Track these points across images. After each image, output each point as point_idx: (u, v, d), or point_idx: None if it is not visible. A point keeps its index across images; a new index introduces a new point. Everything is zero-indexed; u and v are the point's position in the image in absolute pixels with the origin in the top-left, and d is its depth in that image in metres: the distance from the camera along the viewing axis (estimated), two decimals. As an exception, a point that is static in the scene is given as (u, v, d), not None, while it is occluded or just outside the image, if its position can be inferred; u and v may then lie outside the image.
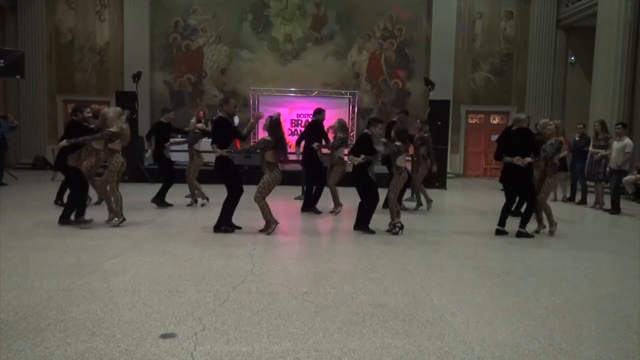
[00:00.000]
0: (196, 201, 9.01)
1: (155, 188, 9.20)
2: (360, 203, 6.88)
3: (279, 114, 7.07)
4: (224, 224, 6.59)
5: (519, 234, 6.61)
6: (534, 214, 7.02)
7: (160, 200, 8.64)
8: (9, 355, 2.90)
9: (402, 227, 6.66)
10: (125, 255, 5.25)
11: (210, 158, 12.21)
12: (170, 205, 8.68)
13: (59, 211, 6.99)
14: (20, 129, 13.44)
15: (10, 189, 10.46)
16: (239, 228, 6.68)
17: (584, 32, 14.75)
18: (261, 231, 6.54)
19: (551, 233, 6.87)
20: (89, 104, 15.22)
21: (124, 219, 6.73)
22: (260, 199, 6.40)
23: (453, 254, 5.74)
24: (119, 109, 7.14)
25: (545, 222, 7.01)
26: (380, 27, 15.80)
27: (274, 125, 6.49)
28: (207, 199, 8.83)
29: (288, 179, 11.42)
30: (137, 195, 9.77)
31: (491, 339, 3.31)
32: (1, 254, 5.10)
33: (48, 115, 15.49)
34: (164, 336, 3.21)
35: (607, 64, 11.94)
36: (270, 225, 6.50)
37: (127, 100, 12.28)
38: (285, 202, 9.39)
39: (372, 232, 6.67)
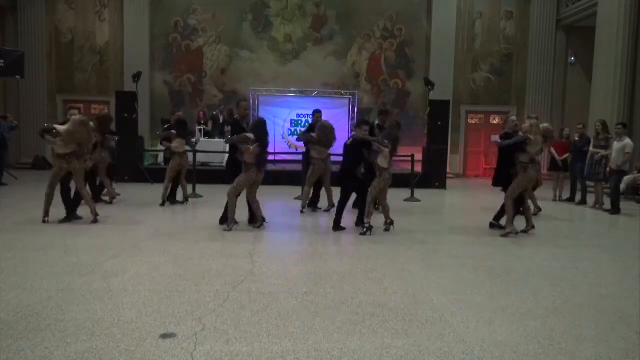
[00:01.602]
0: (187, 199, 9.01)
1: (156, 188, 9.22)
2: (355, 201, 6.93)
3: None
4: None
5: (491, 225, 7.07)
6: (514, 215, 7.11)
7: (172, 199, 8.86)
8: (9, 356, 2.90)
9: (370, 229, 6.55)
10: (125, 255, 5.25)
11: (207, 158, 12.33)
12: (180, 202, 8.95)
13: (59, 211, 6.98)
14: (20, 129, 13.44)
15: (10, 189, 10.46)
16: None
17: (584, 32, 14.75)
18: (222, 224, 6.78)
19: (513, 234, 6.69)
20: (90, 104, 15.25)
21: (46, 219, 6.83)
22: (232, 196, 6.56)
23: (453, 254, 5.74)
24: (78, 118, 6.93)
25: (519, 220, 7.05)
26: (380, 27, 15.81)
27: (257, 125, 6.59)
28: (167, 202, 8.73)
29: (288, 179, 11.53)
30: (137, 196, 9.78)
31: (491, 339, 3.31)
32: (1, 254, 5.10)
33: (48, 116, 15.45)
34: (164, 336, 3.21)
35: (607, 64, 11.95)
36: (229, 223, 6.62)
37: (127, 100, 12.31)
38: (285, 202, 9.40)
39: (343, 228, 6.80)
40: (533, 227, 6.92)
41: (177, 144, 8.66)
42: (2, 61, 12.43)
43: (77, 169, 6.75)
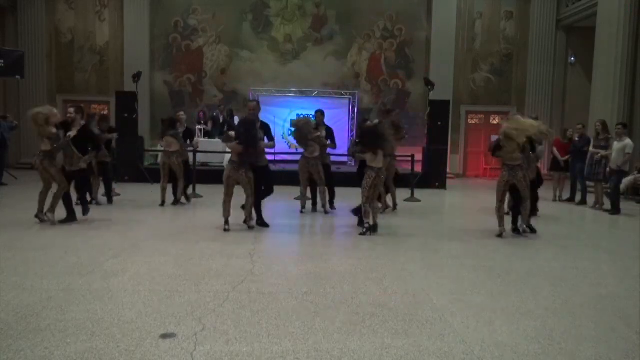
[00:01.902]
0: (178, 201, 8.91)
1: (156, 188, 9.21)
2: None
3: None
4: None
5: (513, 230, 6.94)
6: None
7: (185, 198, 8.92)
8: (9, 356, 2.90)
9: (370, 229, 6.52)
10: (125, 255, 5.24)
11: (206, 158, 12.33)
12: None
13: (59, 211, 6.96)
14: (20, 129, 13.41)
15: (10, 189, 10.46)
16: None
17: (584, 32, 14.75)
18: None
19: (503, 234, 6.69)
20: (90, 104, 15.26)
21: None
22: (224, 196, 6.60)
23: (453, 254, 5.74)
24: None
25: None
26: (380, 27, 15.82)
27: (240, 124, 6.63)
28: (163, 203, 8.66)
29: (288, 179, 11.52)
30: (137, 196, 9.78)
31: (491, 339, 3.31)
32: (1, 254, 5.10)
33: (48, 116, 15.47)
34: (164, 336, 3.21)
35: (607, 64, 11.94)
36: (225, 223, 6.60)
37: (127, 100, 12.31)
38: (285, 202, 9.39)
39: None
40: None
41: (165, 142, 8.57)
42: (2, 61, 12.42)
43: (44, 167, 6.71)
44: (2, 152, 11.12)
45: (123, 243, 5.77)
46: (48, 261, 4.90)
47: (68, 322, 3.39)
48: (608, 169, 9.18)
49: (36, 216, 6.82)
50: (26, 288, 4.08)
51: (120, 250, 5.44)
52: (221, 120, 13.90)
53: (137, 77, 12.31)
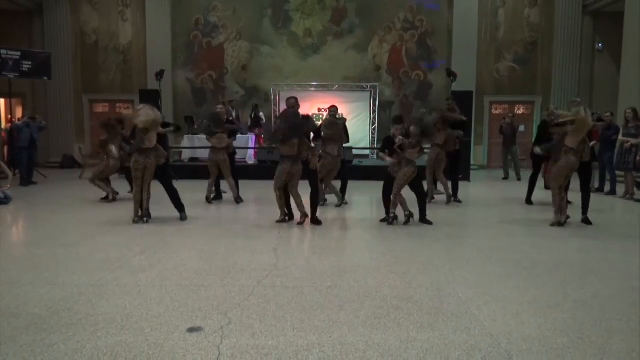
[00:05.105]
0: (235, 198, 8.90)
1: (180, 184, 9.30)
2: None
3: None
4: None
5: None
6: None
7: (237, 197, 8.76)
8: (43, 349, 2.99)
9: (395, 218, 6.69)
10: (152, 251, 5.34)
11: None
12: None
13: (87, 209, 7.11)
14: (49, 129, 13.75)
15: (40, 188, 10.74)
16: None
17: (611, 17, 14.32)
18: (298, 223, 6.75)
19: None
20: (114, 103, 15.48)
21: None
22: (274, 189, 6.71)
23: (478, 246, 5.67)
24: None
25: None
26: (400, 18, 15.66)
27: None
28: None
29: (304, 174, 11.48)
30: (161, 192, 9.91)
31: (518, 333, 3.27)
32: (33, 251, 5.25)
33: (75, 115, 15.85)
34: (191, 330, 3.26)
35: (636, 50, 11.58)
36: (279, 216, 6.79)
37: (150, 98, 12.47)
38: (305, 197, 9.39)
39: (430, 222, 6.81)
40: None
41: (215, 140, 8.54)
42: (30, 63, 12.71)
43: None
44: (32, 152, 11.42)
45: (150, 239, 5.87)
46: (78, 257, 5.03)
47: (98, 316, 3.48)
48: (638, 158, 8.93)
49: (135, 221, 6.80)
50: (58, 284, 4.19)
51: (147, 246, 5.54)
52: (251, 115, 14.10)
53: (159, 75, 12.47)
